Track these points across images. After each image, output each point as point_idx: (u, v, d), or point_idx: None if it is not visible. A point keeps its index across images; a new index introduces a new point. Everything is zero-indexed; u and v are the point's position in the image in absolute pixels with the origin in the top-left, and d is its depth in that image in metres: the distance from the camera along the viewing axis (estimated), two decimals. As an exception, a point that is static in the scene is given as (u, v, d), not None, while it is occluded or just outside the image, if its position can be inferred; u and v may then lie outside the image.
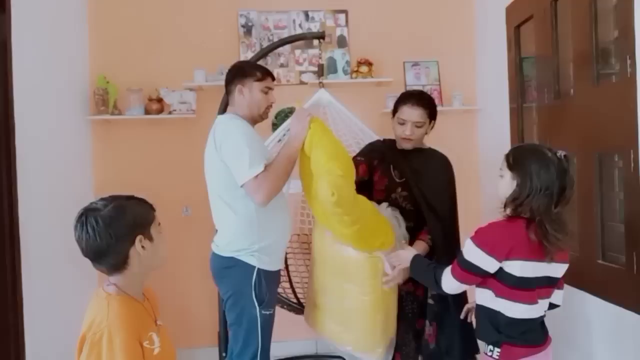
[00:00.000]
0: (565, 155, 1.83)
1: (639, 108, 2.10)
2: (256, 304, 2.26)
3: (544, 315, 1.92)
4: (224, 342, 3.31)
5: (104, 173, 3.76)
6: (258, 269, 2.27)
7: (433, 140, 2.64)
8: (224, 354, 3.34)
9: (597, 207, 2.45)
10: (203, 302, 3.73)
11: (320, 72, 3.22)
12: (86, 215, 1.52)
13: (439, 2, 4.03)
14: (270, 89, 2.43)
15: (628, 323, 2.20)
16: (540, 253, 1.80)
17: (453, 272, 1.91)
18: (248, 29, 3.87)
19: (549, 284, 1.88)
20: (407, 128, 2.43)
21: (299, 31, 3.87)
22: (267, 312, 2.29)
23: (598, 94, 2.42)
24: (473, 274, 1.85)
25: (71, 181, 3.43)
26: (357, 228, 2.22)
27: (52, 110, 3.20)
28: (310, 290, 2.54)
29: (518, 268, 1.79)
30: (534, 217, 1.79)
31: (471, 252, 1.83)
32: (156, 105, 3.74)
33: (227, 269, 2.31)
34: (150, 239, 1.59)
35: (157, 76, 3.78)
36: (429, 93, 2.68)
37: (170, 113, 3.74)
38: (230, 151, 2.22)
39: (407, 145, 2.48)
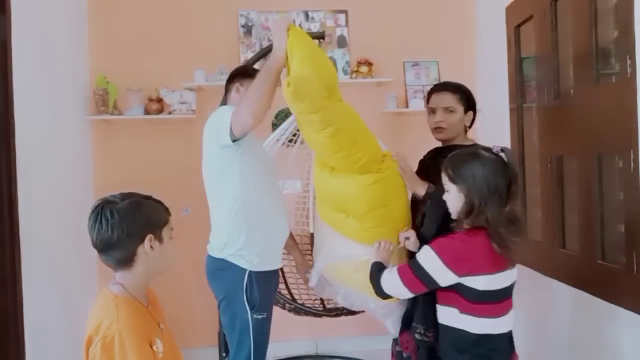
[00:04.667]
0: (502, 149, 1.77)
1: (639, 108, 2.10)
2: (248, 308, 2.22)
3: (511, 331, 1.83)
4: (223, 342, 3.31)
5: (104, 173, 3.76)
6: (249, 271, 2.23)
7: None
8: (224, 354, 3.35)
9: (597, 207, 2.44)
10: (203, 302, 3.73)
11: (320, 72, 3.22)
12: (103, 206, 1.54)
13: (439, 2, 4.03)
14: None
15: (628, 323, 2.20)
16: (504, 263, 1.74)
17: (401, 273, 1.80)
18: (248, 29, 3.87)
19: (510, 294, 1.80)
20: (437, 115, 2.31)
21: (299, 31, 3.87)
22: (260, 316, 2.24)
23: (598, 94, 2.42)
24: (423, 282, 1.76)
25: (71, 181, 3.43)
26: (331, 131, 1.95)
27: (52, 110, 3.20)
28: (319, 238, 2.33)
29: (482, 282, 1.72)
30: (489, 226, 1.72)
31: (429, 259, 1.74)
32: (156, 105, 3.74)
33: (219, 271, 2.29)
34: (160, 240, 1.60)
35: (157, 76, 3.78)
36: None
37: (170, 113, 3.74)
38: (215, 119, 2.19)
39: (441, 136, 2.34)
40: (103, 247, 1.54)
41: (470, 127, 2.40)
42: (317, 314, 3.11)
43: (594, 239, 2.45)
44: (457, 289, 1.75)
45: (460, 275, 1.72)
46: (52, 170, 3.15)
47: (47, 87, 3.14)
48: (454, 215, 1.81)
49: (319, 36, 3.20)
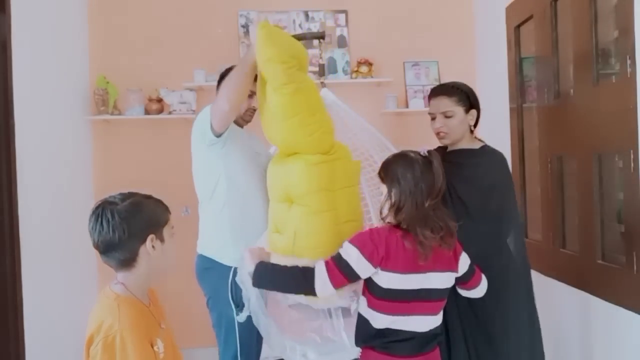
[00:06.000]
0: (428, 151, 1.84)
1: (639, 108, 2.10)
2: (233, 306, 2.25)
3: (426, 332, 1.83)
4: (224, 342, 3.31)
5: (104, 173, 3.76)
6: (234, 269, 2.24)
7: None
8: (223, 354, 3.35)
9: (597, 207, 2.45)
10: (202, 302, 3.71)
11: (321, 72, 3.21)
12: (103, 208, 1.53)
13: (439, 2, 4.03)
14: (254, 92, 2.36)
15: (628, 323, 2.20)
16: (415, 264, 1.76)
17: (328, 271, 1.78)
18: (248, 29, 3.87)
19: (429, 298, 1.81)
20: (437, 121, 2.23)
21: (299, 31, 3.87)
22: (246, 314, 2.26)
23: (598, 94, 2.42)
24: (345, 275, 1.78)
25: (71, 181, 3.43)
26: (293, 88, 1.95)
27: (52, 111, 3.20)
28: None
29: (385, 280, 1.76)
30: (405, 222, 1.78)
31: (349, 252, 1.78)
32: (156, 105, 3.74)
33: (206, 270, 2.33)
34: (162, 240, 1.59)
35: (157, 76, 3.78)
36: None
37: (170, 113, 3.75)
38: (199, 119, 2.21)
39: (445, 141, 2.26)
40: (105, 248, 1.54)
41: (475, 125, 2.29)
42: None
43: (594, 239, 2.45)
44: (367, 282, 1.82)
45: (376, 266, 1.77)
46: (52, 170, 3.15)
47: (47, 87, 3.14)
48: (382, 213, 1.87)
49: (319, 36, 3.19)
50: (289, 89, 1.96)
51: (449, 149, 2.29)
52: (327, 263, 1.81)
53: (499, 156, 2.24)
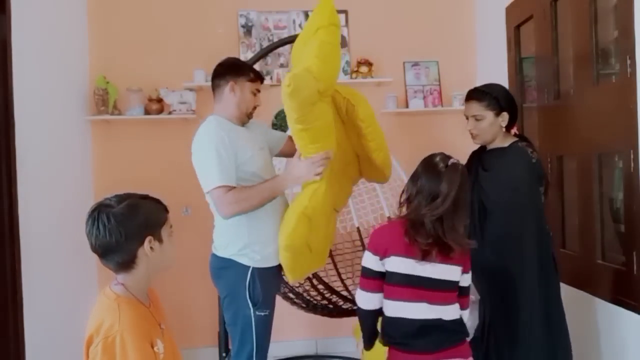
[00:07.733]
0: (453, 164, 1.87)
1: (639, 108, 2.10)
2: (250, 305, 2.25)
3: (440, 322, 1.88)
4: (224, 342, 3.31)
5: (104, 173, 3.76)
6: (252, 268, 2.26)
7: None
8: (224, 354, 3.35)
9: (597, 207, 2.45)
10: (203, 302, 3.73)
11: (320, 72, 3.21)
12: (99, 211, 1.52)
13: (439, 2, 4.03)
14: (259, 91, 2.41)
15: (628, 323, 2.20)
16: (416, 251, 1.84)
17: (360, 283, 1.94)
18: (248, 29, 3.87)
19: (439, 287, 1.87)
20: (469, 123, 2.36)
21: (299, 31, 3.85)
22: (262, 313, 2.27)
23: (598, 94, 2.42)
24: (369, 277, 1.91)
25: (71, 181, 3.43)
26: (300, 128, 2.17)
27: (51, 111, 3.20)
28: None
29: (391, 264, 1.87)
30: (406, 217, 1.90)
31: (364, 256, 1.93)
32: (156, 105, 3.74)
33: (223, 270, 2.31)
34: (160, 240, 1.58)
35: (157, 76, 3.78)
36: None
37: (170, 113, 3.75)
38: (199, 159, 2.25)
39: (476, 141, 2.40)
40: (103, 251, 1.53)
41: (511, 125, 2.35)
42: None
43: (594, 239, 2.45)
44: (384, 275, 1.92)
45: (382, 258, 1.88)
46: (52, 170, 3.14)
47: (47, 87, 3.14)
48: (400, 201, 1.98)
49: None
50: (297, 127, 2.17)
51: (487, 148, 2.38)
52: (360, 280, 1.96)
53: (522, 153, 2.26)
